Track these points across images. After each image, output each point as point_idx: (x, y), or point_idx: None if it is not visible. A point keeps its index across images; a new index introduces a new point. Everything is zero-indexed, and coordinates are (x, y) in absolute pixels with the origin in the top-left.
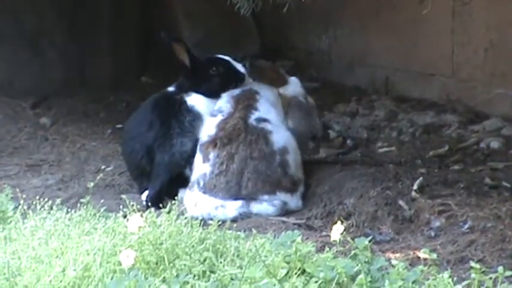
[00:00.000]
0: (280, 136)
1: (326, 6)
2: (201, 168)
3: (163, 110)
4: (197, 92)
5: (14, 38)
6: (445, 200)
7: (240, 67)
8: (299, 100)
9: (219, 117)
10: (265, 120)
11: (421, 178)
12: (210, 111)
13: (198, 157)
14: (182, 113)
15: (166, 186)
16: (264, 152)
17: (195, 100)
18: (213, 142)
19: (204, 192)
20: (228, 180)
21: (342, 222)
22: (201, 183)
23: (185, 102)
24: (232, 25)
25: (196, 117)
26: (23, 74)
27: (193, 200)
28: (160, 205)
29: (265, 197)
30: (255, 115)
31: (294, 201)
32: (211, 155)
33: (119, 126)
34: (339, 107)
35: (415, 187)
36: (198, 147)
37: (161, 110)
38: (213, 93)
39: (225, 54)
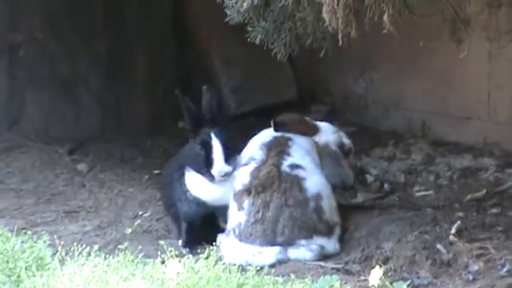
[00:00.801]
0: (314, 182)
1: (362, 50)
2: (236, 216)
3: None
4: None
5: (50, 84)
6: (483, 243)
7: (220, 160)
8: (330, 149)
9: (252, 165)
10: (298, 166)
11: (459, 222)
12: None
13: (233, 205)
14: None
15: (194, 232)
16: (298, 199)
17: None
18: (248, 190)
19: (240, 240)
20: (264, 228)
21: (380, 266)
22: (237, 232)
23: None
24: (268, 70)
25: None
26: (59, 120)
27: (230, 247)
28: (198, 249)
29: (302, 242)
30: (287, 161)
31: (331, 245)
32: (246, 203)
33: (156, 172)
34: (375, 151)
35: (453, 231)
36: (232, 195)
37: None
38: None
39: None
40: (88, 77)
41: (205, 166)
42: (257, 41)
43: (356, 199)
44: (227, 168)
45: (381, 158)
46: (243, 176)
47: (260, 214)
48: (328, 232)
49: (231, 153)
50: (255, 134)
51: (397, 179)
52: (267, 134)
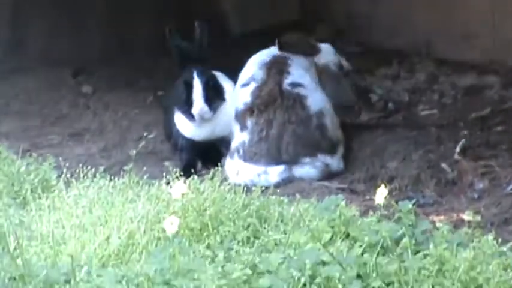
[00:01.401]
0: (315, 100)
1: None
2: (239, 136)
3: None
4: None
5: (53, 7)
6: (488, 161)
7: (199, 100)
8: (330, 69)
9: (253, 85)
10: (299, 85)
11: (463, 140)
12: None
13: (236, 126)
14: None
15: (193, 160)
16: (301, 116)
17: None
18: (250, 110)
19: (245, 160)
20: (268, 146)
21: (385, 185)
22: (241, 152)
23: None
24: None
25: None
26: (63, 42)
27: (235, 168)
28: (192, 171)
29: (307, 159)
30: (288, 79)
31: (334, 162)
32: (249, 123)
33: (160, 93)
34: (380, 70)
35: (457, 149)
36: (234, 116)
37: None
38: None
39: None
40: None
41: (185, 106)
42: None
43: (360, 118)
44: (206, 108)
45: (385, 78)
46: (244, 96)
47: (264, 132)
48: (331, 150)
49: (215, 94)
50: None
51: (402, 98)
52: (265, 54)
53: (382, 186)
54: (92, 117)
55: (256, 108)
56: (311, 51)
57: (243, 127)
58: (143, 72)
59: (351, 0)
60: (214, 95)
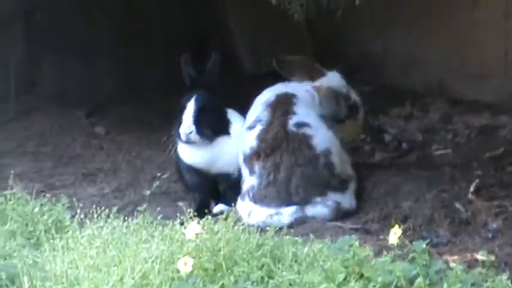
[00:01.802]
0: (322, 138)
1: (379, 9)
2: (248, 181)
3: None
4: None
5: (66, 47)
6: (501, 201)
7: (187, 121)
8: (332, 89)
9: (258, 128)
10: (304, 124)
11: (477, 180)
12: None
13: (245, 170)
14: None
15: (206, 200)
16: (308, 157)
17: None
18: (256, 154)
19: (255, 202)
20: (277, 189)
21: (399, 225)
22: (251, 195)
23: None
24: (284, 30)
25: None
26: (77, 84)
27: (247, 209)
28: (206, 211)
29: (318, 199)
30: (293, 120)
31: (346, 200)
32: (256, 167)
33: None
34: (393, 110)
35: (471, 189)
36: (242, 160)
37: None
38: None
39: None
40: (104, 39)
41: (177, 127)
42: (274, 2)
43: (374, 158)
44: (192, 129)
45: (399, 117)
46: (250, 140)
47: (272, 176)
48: (341, 187)
49: (217, 124)
50: None
51: (415, 138)
52: (269, 93)
53: (396, 226)
54: (106, 157)
55: (263, 152)
56: (312, 74)
57: (252, 171)
58: (157, 112)
59: (365, 40)
60: (215, 123)
